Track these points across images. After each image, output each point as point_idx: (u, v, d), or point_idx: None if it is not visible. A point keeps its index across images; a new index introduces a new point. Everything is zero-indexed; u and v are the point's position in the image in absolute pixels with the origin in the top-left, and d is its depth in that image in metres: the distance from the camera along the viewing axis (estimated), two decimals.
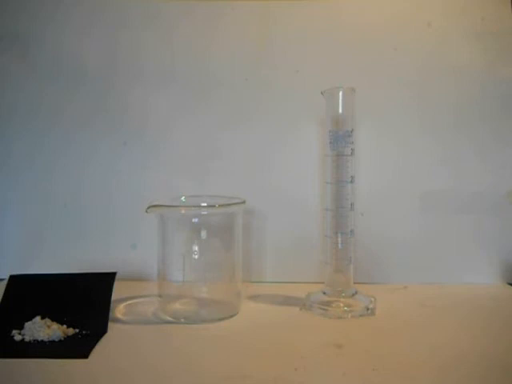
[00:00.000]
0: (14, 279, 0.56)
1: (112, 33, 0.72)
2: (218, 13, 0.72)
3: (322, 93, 0.59)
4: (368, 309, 0.58)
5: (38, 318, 0.51)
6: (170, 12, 0.72)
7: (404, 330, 0.54)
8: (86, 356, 0.46)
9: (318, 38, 0.72)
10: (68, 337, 0.50)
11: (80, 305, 0.53)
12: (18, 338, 0.50)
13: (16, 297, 0.55)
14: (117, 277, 0.71)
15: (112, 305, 0.55)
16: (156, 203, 0.56)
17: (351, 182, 0.59)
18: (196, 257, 0.57)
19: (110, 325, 0.53)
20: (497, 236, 0.71)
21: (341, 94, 0.58)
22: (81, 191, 0.73)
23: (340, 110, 0.59)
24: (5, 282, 0.57)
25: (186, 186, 0.71)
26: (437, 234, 0.71)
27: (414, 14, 0.71)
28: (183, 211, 0.58)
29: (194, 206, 0.58)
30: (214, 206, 0.58)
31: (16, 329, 0.51)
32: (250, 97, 0.72)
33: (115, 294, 0.55)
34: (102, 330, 0.52)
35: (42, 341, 0.49)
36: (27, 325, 0.50)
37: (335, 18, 0.72)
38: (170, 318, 0.56)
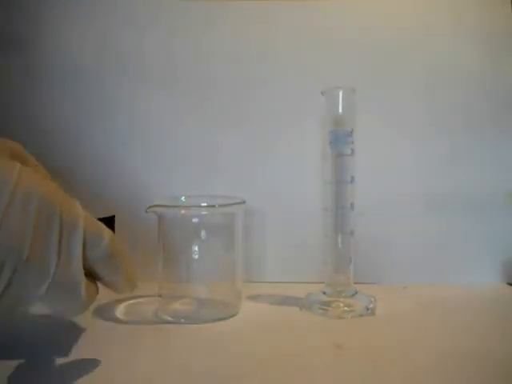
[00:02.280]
0: None
1: (112, 33, 0.72)
2: (217, 13, 0.72)
3: (322, 93, 0.59)
4: (368, 309, 0.58)
5: None
6: (169, 12, 0.72)
7: (404, 330, 0.54)
8: None
9: (319, 38, 0.72)
10: None
11: None
12: None
13: None
14: None
15: (112, 305, 0.54)
16: (156, 203, 0.56)
17: (351, 182, 0.59)
18: (196, 257, 0.57)
19: (111, 325, 0.53)
20: (497, 236, 0.71)
21: (341, 94, 0.58)
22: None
23: (340, 110, 0.59)
24: None
25: (186, 185, 0.71)
26: (437, 235, 0.71)
27: (415, 14, 0.71)
28: (183, 211, 0.58)
29: (194, 206, 0.58)
30: (214, 206, 0.58)
31: None
32: (250, 97, 0.72)
33: (115, 295, 0.55)
34: None
35: None
36: None
37: (336, 18, 0.72)
38: (170, 318, 0.56)
